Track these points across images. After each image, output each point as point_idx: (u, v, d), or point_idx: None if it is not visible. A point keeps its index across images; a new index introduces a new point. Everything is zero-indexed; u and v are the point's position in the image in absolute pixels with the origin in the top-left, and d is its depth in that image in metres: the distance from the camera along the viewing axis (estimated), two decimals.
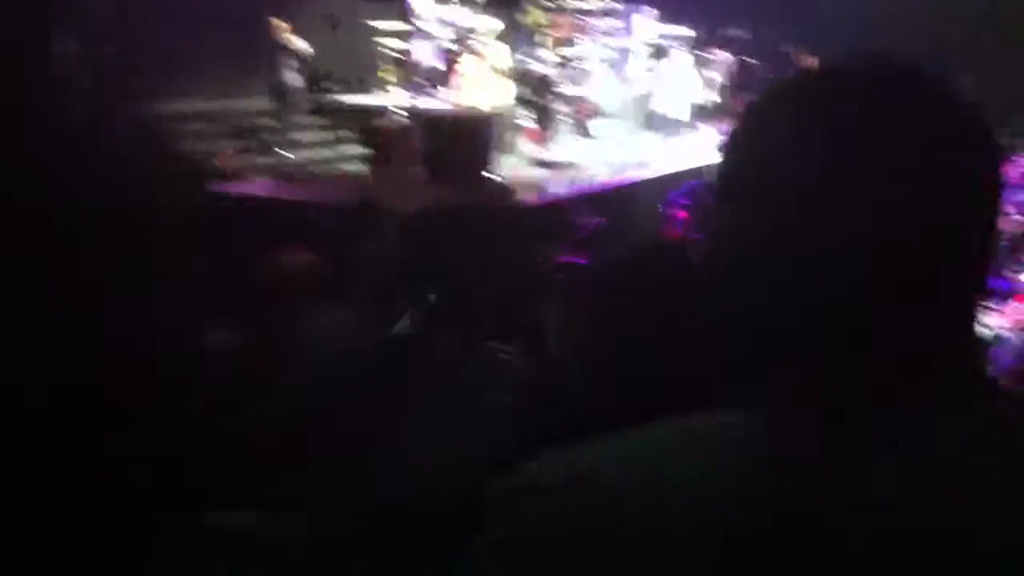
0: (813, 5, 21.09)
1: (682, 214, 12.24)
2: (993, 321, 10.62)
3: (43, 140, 0.70)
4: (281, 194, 9.90)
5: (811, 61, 21.05)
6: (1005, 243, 13.25)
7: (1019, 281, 11.20)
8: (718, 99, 18.74)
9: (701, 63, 18.58)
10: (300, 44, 13.01)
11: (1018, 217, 13.57)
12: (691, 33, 18.40)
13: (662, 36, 18.22)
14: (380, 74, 15.09)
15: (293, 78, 12.91)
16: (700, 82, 17.75)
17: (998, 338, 9.83)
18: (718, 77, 18.65)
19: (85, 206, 0.70)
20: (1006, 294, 11.20)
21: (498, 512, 0.85)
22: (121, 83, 0.85)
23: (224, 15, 13.58)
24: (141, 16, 12.12)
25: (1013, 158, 12.87)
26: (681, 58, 17.51)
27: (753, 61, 20.60)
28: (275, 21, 12.78)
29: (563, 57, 16.16)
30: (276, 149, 12.71)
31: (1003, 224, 9.79)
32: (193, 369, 0.78)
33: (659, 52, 18.09)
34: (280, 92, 12.77)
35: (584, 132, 15.20)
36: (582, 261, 11.00)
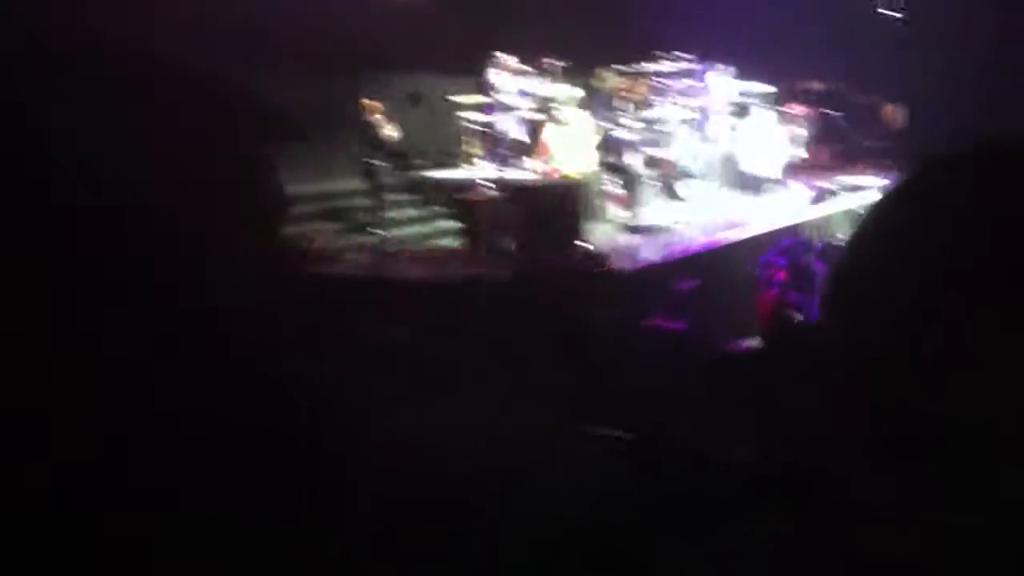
0: (885, 55, 20.80)
1: (780, 274, 11.93)
2: None
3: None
4: (378, 273, 9.87)
5: (891, 111, 20.81)
6: None
7: None
8: (804, 155, 18.48)
9: (783, 119, 18.37)
10: (390, 130, 13.14)
11: None
12: (770, 89, 18.21)
13: (742, 94, 18.07)
14: (465, 148, 15.16)
15: (383, 157, 13.01)
16: (783, 138, 17.51)
17: None
18: (802, 131, 18.38)
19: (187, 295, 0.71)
20: None
21: None
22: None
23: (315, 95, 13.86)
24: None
25: None
26: (763, 115, 17.33)
27: (834, 113, 20.34)
28: (367, 103, 12.94)
29: (644, 120, 16.07)
30: (370, 229, 12.75)
31: None
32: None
33: (741, 110, 17.92)
34: (371, 171, 12.88)
35: (672, 195, 15.02)
36: (679, 327, 10.78)
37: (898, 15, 22.81)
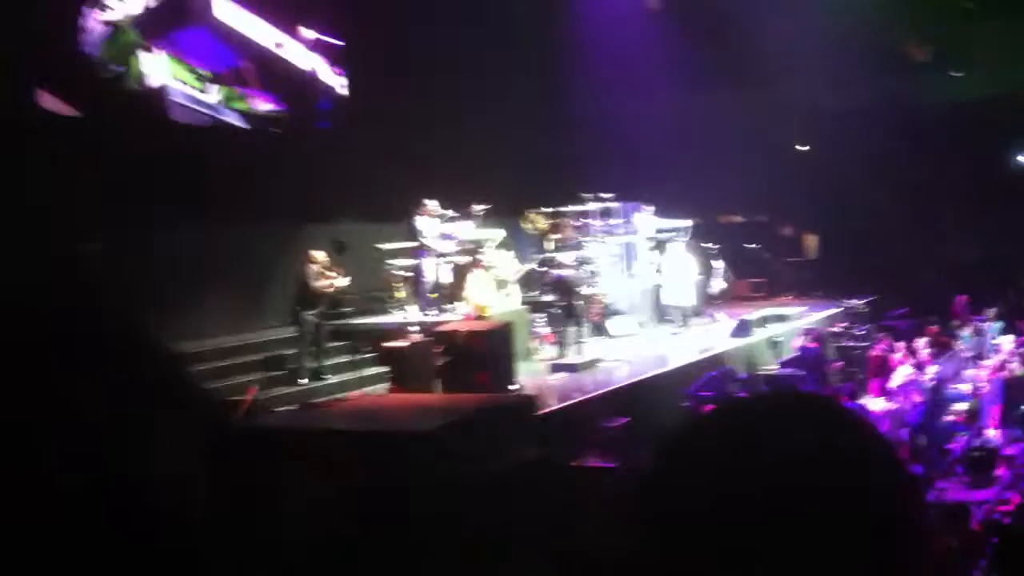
0: (801, 189, 21.67)
1: (707, 408, 12.12)
2: None
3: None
4: (305, 423, 9.81)
5: (809, 238, 21.49)
6: None
7: None
8: (724, 285, 18.97)
9: (702, 252, 18.89)
10: (343, 281, 13.24)
11: None
12: (688, 223, 18.81)
13: (660, 230, 18.60)
14: (393, 293, 15.32)
15: (315, 306, 13.03)
16: (697, 269, 17.96)
17: None
18: (721, 264, 18.91)
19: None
20: None
21: None
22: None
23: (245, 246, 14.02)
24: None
25: None
26: (679, 248, 17.84)
27: (753, 246, 21.03)
28: (310, 253, 13.04)
29: (572, 259, 16.45)
30: (299, 379, 12.73)
31: None
32: None
33: (659, 245, 18.43)
34: (302, 320, 12.89)
35: (601, 331, 15.28)
36: (610, 465, 10.82)
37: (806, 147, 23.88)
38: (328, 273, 13.10)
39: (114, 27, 13.83)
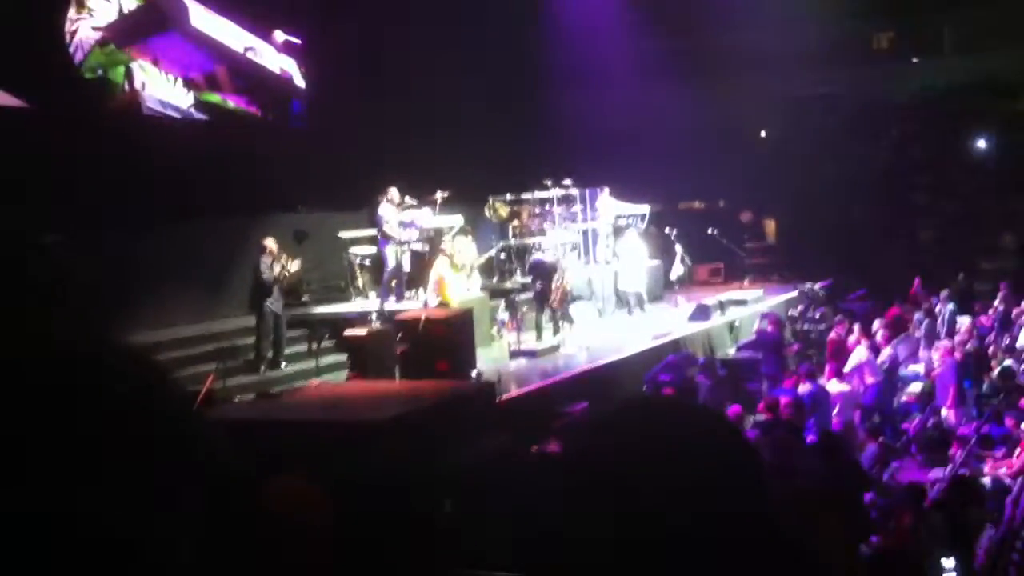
0: (759, 175, 21.87)
1: (667, 391, 12.18)
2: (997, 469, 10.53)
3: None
4: (262, 414, 9.80)
5: (767, 223, 21.63)
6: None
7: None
8: (683, 271, 19.11)
9: (662, 237, 19.02)
10: (293, 265, 13.17)
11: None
12: (646, 209, 18.92)
13: (619, 216, 18.70)
14: (354, 282, 15.32)
15: (277, 294, 12.98)
16: (648, 254, 18.14)
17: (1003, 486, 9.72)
18: (680, 250, 19.04)
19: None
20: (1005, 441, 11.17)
21: None
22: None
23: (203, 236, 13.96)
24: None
25: None
26: (632, 234, 17.98)
27: (712, 231, 21.17)
28: (265, 242, 12.97)
29: (534, 246, 16.51)
30: (258, 367, 12.70)
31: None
32: None
33: (617, 231, 18.54)
34: (262, 309, 12.84)
35: (564, 317, 15.35)
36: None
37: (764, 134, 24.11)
38: (280, 260, 13.04)
39: (104, 39, 13.90)
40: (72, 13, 13.64)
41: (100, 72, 14.16)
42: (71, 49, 13.67)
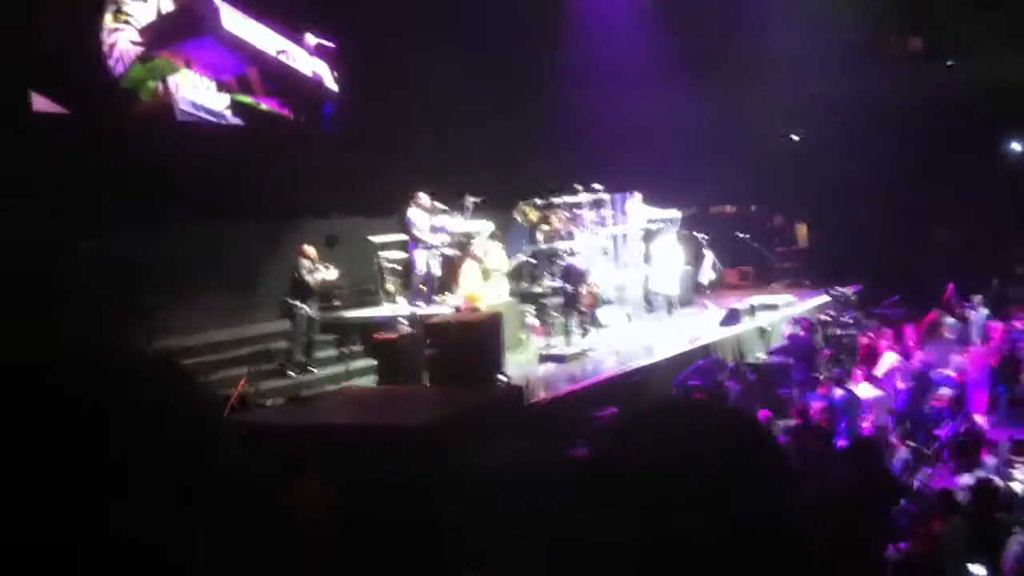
0: (791, 179, 21.77)
1: (697, 396, 12.16)
2: None
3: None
4: (292, 419, 9.90)
5: (799, 227, 21.49)
6: None
7: None
8: (714, 275, 19.04)
9: (693, 241, 18.95)
10: (332, 274, 13.35)
11: None
12: (678, 214, 18.88)
13: (650, 220, 18.67)
14: (385, 286, 15.41)
15: (314, 299, 13.18)
16: (684, 259, 18.12)
17: None
18: (711, 254, 18.98)
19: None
20: None
21: None
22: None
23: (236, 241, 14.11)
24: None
25: None
26: (669, 238, 17.95)
27: (743, 235, 21.09)
28: (303, 247, 13.17)
29: (564, 250, 16.52)
30: (289, 372, 12.83)
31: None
32: None
33: (648, 235, 18.52)
34: (294, 314, 13.00)
35: (592, 321, 15.36)
36: None
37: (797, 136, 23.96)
38: (319, 266, 13.24)
39: (145, 54, 14.11)
40: (109, 21, 13.78)
41: (148, 87, 14.35)
42: (111, 61, 13.83)
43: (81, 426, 0.86)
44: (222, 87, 15.42)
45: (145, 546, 0.87)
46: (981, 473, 9.79)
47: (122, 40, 13.94)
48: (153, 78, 14.39)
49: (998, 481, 10.17)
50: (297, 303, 13.06)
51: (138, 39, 14.12)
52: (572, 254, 16.03)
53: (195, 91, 15.02)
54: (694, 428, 1.24)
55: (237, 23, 15.24)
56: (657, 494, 1.15)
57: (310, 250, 13.22)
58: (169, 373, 0.95)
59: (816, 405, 11.32)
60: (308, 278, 13.03)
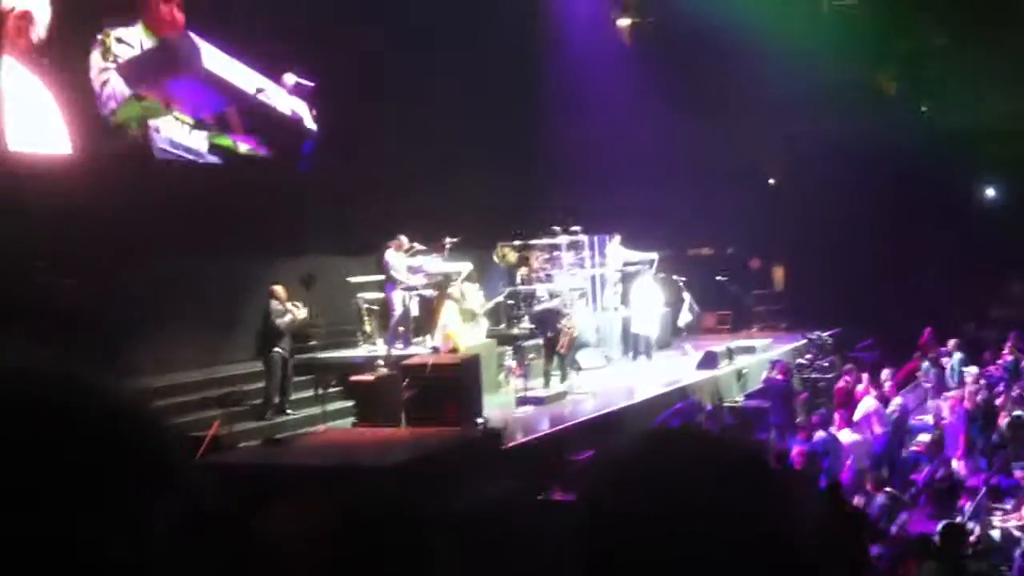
0: (769, 222, 21.94)
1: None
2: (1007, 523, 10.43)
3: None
4: (267, 460, 9.78)
5: (776, 270, 21.60)
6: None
7: None
8: (691, 318, 19.07)
9: (671, 284, 19.00)
10: (301, 312, 13.18)
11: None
12: (655, 255, 18.93)
13: (627, 263, 18.73)
14: (363, 327, 15.33)
15: (286, 340, 12.99)
16: (663, 300, 18.17)
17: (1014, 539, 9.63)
18: (688, 297, 19.03)
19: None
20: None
21: None
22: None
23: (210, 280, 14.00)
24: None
25: None
26: (647, 279, 17.99)
27: (721, 278, 21.19)
28: (274, 287, 13.00)
29: (543, 292, 16.51)
30: (265, 414, 12.66)
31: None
32: None
33: (626, 277, 18.56)
34: (269, 355, 12.81)
35: (571, 364, 15.31)
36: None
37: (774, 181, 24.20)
38: (289, 307, 13.05)
39: (134, 95, 14.11)
40: (97, 59, 13.76)
41: (134, 125, 14.31)
42: (103, 99, 13.79)
43: (31, 461, 0.82)
44: (200, 125, 15.40)
45: None
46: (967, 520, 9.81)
47: (114, 79, 13.93)
48: (147, 115, 14.36)
49: (973, 526, 10.20)
50: (272, 346, 12.87)
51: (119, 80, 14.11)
52: (550, 296, 16.05)
53: (173, 129, 14.99)
54: (694, 457, 1.19)
55: (217, 62, 15.25)
56: (662, 528, 1.10)
57: (279, 290, 13.02)
58: (135, 411, 0.91)
59: (797, 449, 11.31)
60: (279, 322, 12.84)
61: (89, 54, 13.66)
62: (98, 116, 13.78)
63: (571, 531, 1.21)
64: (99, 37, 13.78)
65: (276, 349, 12.79)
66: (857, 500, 10.95)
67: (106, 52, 13.88)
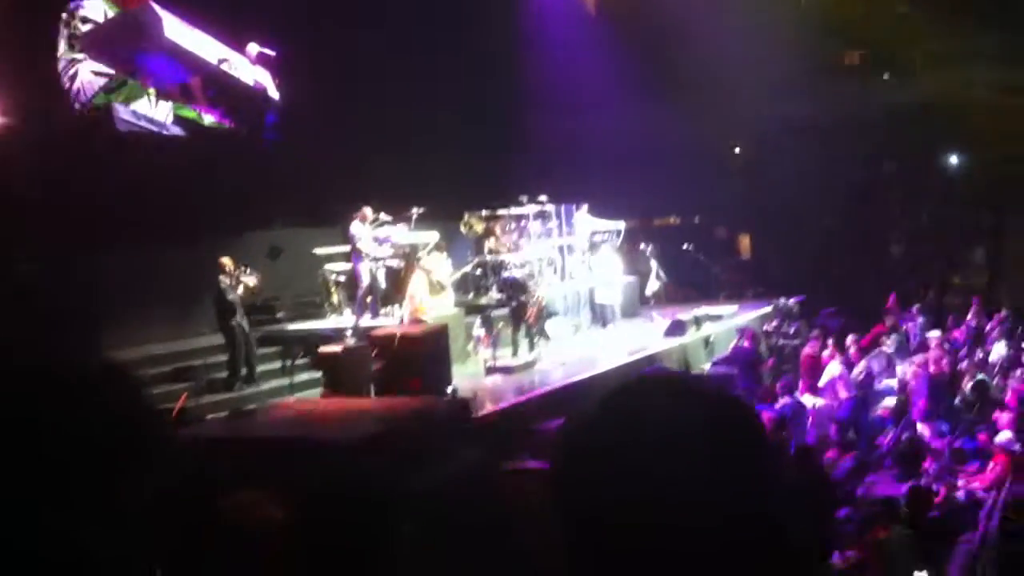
0: (734, 191, 22.01)
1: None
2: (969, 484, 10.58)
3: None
4: (236, 432, 9.71)
5: (742, 239, 21.75)
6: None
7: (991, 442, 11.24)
8: (658, 286, 19.16)
9: (638, 253, 19.05)
10: (250, 279, 13.05)
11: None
12: (621, 225, 18.94)
13: (594, 232, 18.74)
14: (329, 298, 15.24)
15: (242, 312, 12.89)
16: (623, 269, 18.26)
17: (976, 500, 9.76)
18: (655, 266, 19.10)
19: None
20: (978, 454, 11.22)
21: None
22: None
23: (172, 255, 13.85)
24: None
25: None
26: (608, 249, 18.05)
27: (687, 247, 21.26)
28: (221, 261, 12.85)
29: (511, 262, 16.48)
30: (235, 384, 12.59)
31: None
32: None
33: (594, 247, 18.59)
34: (231, 327, 12.71)
35: (539, 333, 15.32)
36: (546, 466, 10.90)
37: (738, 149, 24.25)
38: (239, 277, 12.94)
39: (112, 79, 13.88)
40: (63, 50, 13.54)
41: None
42: (72, 92, 13.59)
43: (23, 435, 0.79)
44: (162, 95, 15.19)
45: (82, 557, 0.80)
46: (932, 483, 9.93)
47: (83, 71, 13.70)
48: (128, 100, 14.24)
49: (938, 488, 10.33)
50: (229, 318, 12.76)
51: (100, 69, 13.88)
52: (516, 266, 16.02)
53: (136, 101, 14.78)
54: (675, 411, 1.14)
55: (179, 32, 15.01)
56: (643, 489, 1.06)
57: (226, 263, 12.87)
58: (117, 383, 0.89)
59: (765, 415, 11.39)
60: (230, 296, 12.73)
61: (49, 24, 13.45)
62: (59, 88, 13.58)
63: (548, 498, 1.17)
64: (63, 16, 13.55)
65: (233, 321, 12.70)
66: (824, 463, 11.07)
67: (73, 39, 13.67)
